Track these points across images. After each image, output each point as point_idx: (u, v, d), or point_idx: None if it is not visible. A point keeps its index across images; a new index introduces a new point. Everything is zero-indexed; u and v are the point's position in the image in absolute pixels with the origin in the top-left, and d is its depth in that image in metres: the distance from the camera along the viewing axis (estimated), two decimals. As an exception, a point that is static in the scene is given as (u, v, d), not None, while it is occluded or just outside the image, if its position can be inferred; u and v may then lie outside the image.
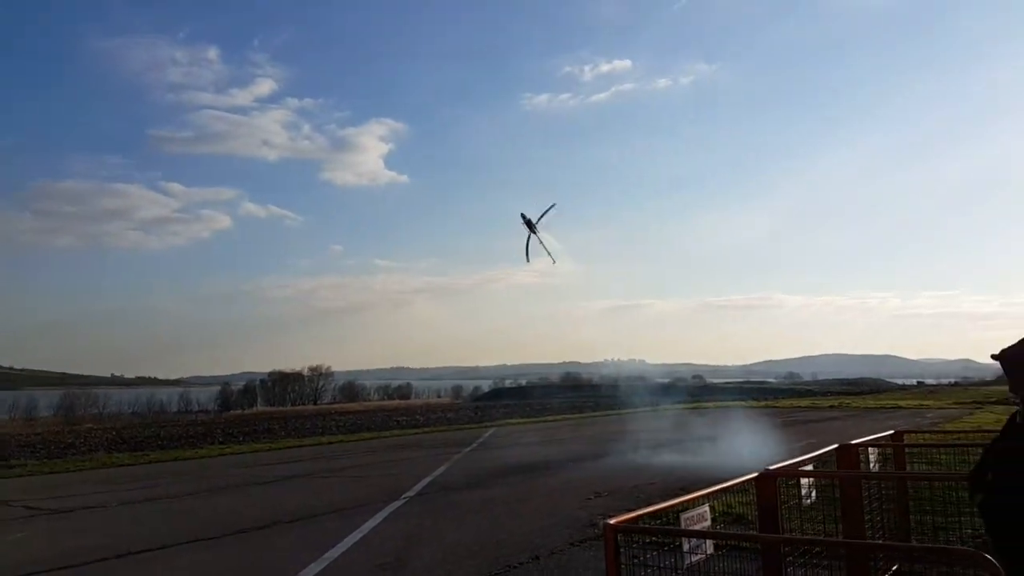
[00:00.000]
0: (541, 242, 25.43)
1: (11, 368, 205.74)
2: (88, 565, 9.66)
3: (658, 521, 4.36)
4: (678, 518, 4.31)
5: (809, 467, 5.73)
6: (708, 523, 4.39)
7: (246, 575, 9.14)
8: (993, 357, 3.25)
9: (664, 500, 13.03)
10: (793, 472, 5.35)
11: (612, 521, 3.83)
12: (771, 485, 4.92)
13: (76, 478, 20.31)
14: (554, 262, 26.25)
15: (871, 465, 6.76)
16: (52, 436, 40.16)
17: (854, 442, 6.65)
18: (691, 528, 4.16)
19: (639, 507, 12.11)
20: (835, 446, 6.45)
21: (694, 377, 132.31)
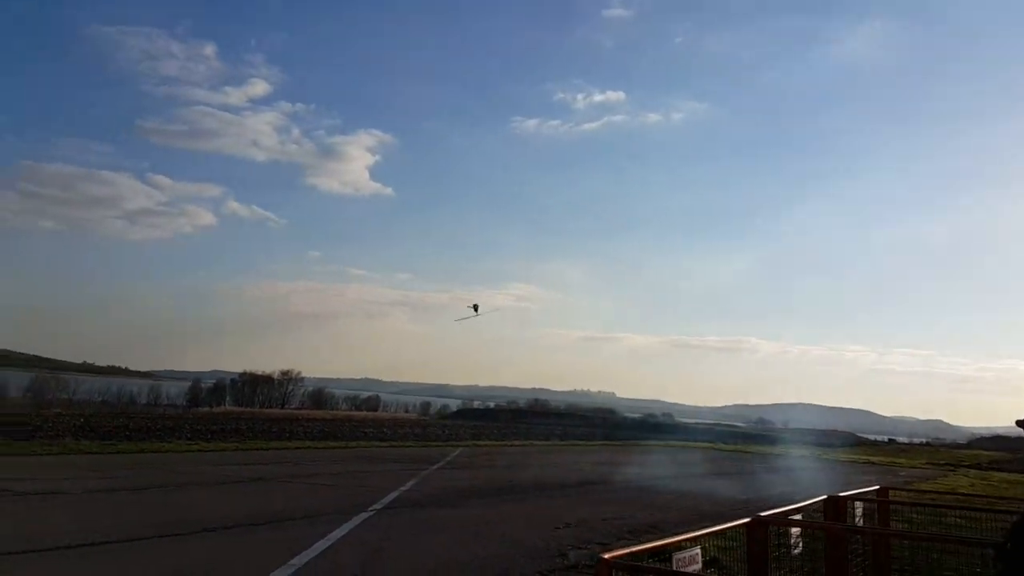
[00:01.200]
0: (474, 314, 33.25)
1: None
2: (51, 551, 9.46)
3: (651, 559, 4.33)
4: (670, 558, 4.28)
5: (798, 516, 5.72)
6: (699, 565, 4.37)
7: (212, 574, 8.96)
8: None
9: (631, 536, 12.96)
10: (785, 520, 5.34)
11: (607, 556, 3.80)
12: (762, 532, 4.90)
13: (41, 462, 19.93)
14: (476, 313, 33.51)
15: (856, 519, 6.77)
16: (19, 418, 39.38)
17: (842, 494, 6.67)
18: (684, 570, 4.14)
19: (608, 541, 12.15)
20: (824, 497, 6.46)
21: (664, 415, 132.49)
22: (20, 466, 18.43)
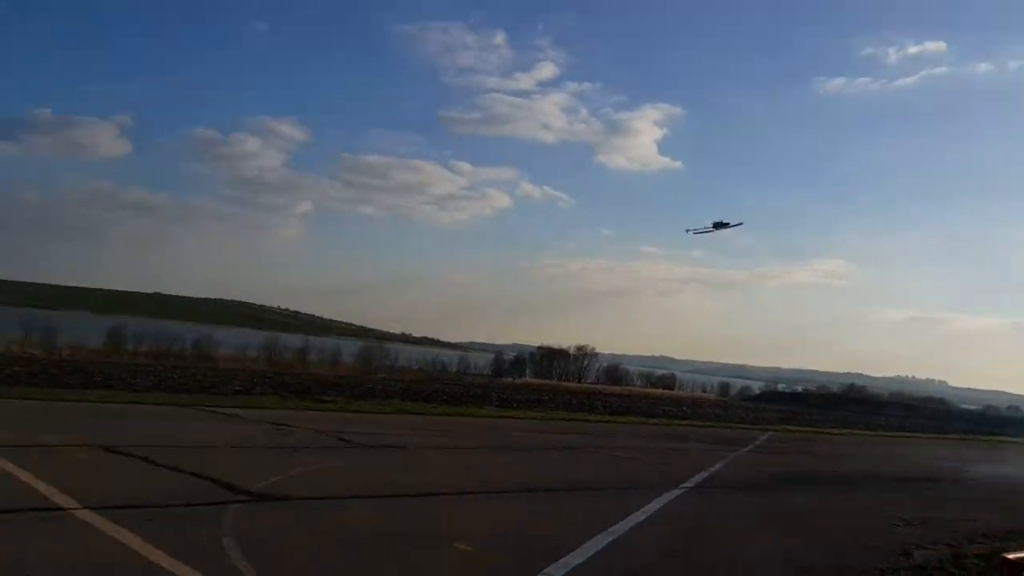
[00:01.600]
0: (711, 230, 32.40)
1: (322, 317, 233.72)
2: (403, 498, 10.28)
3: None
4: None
5: None
6: None
7: (539, 533, 9.12)
8: None
9: (985, 540, 11.18)
10: None
11: (1010, 556, 3.05)
12: None
13: (377, 419, 22.21)
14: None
15: None
16: (353, 380, 44.80)
17: None
18: None
19: (958, 543, 10.62)
20: None
21: (1009, 408, 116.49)
22: (359, 421, 20.64)
